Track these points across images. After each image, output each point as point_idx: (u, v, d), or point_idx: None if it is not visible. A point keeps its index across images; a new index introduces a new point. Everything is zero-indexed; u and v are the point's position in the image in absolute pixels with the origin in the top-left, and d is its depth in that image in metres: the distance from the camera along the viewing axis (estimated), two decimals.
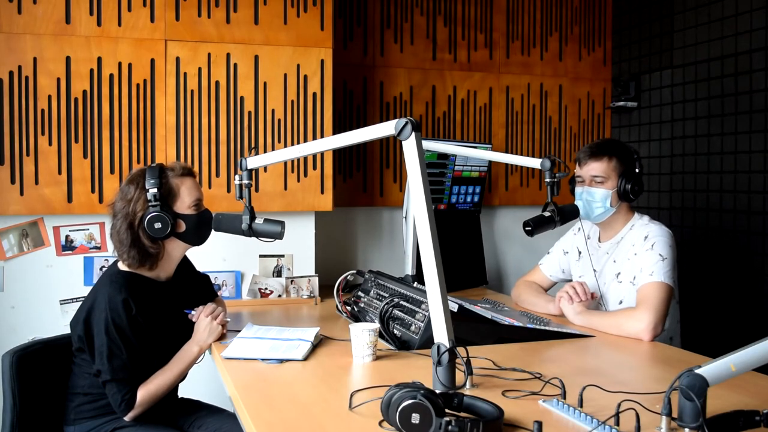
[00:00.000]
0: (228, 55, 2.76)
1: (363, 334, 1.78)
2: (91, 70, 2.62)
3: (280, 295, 2.87)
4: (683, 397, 1.17)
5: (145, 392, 1.88)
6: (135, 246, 1.92)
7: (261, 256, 2.87)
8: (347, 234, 3.42)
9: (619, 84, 3.63)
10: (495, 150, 3.42)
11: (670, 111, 3.42)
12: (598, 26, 3.75)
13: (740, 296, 3.04)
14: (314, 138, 2.86)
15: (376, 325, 1.87)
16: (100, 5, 2.62)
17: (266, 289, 2.87)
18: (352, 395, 1.46)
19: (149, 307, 1.93)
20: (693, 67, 3.28)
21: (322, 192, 2.88)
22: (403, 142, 1.54)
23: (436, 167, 3.23)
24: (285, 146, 2.83)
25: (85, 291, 2.03)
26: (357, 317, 2.33)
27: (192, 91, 2.73)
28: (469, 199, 3.41)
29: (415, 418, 1.17)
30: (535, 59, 3.62)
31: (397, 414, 1.18)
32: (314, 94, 2.87)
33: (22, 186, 2.56)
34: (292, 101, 2.84)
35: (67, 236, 2.69)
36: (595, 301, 2.35)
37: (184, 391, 2.19)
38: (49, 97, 2.58)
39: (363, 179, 3.32)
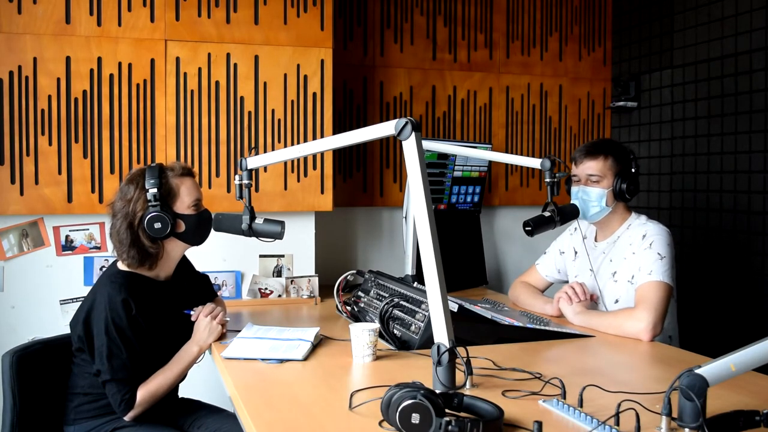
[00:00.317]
0: (228, 55, 2.76)
1: (363, 334, 1.78)
2: (91, 70, 2.62)
3: (280, 295, 2.87)
4: (683, 397, 1.17)
5: (144, 392, 1.88)
6: (134, 246, 1.92)
7: (261, 256, 2.87)
8: (347, 234, 3.42)
9: (619, 84, 3.63)
10: (495, 150, 3.43)
11: (670, 111, 3.42)
12: (598, 26, 3.75)
13: (740, 296, 3.04)
14: (314, 138, 2.86)
15: (376, 325, 1.87)
16: (100, 5, 2.62)
17: (266, 289, 2.87)
18: (352, 395, 1.46)
19: (149, 307, 1.93)
20: (693, 67, 3.28)
21: (322, 192, 2.88)
22: (403, 142, 1.54)
23: (436, 167, 3.23)
24: (285, 146, 2.83)
25: (85, 291, 2.03)
26: (357, 317, 2.33)
27: (192, 91, 2.73)
28: (469, 199, 3.41)
29: (415, 418, 1.17)
30: (535, 59, 3.62)
31: (397, 414, 1.18)
32: (314, 94, 2.87)
33: (22, 186, 2.56)
34: (292, 101, 2.84)
35: (67, 236, 2.69)
36: (592, 301, 2.35)
37: (184, 391, 2.19)
38: (49, 97, 2.58)
39: (363, 179, 3.32)
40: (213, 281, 2.57)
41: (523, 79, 3.60)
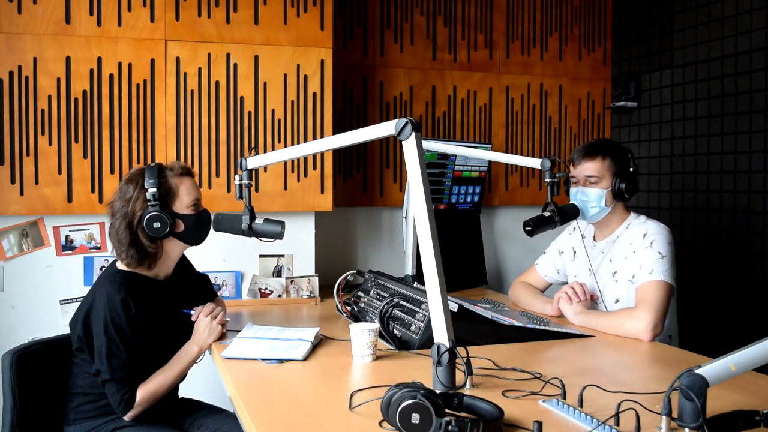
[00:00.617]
0: (228, 55, 2.76)
1: (363, 334, 1.78)
2: (91, 70, 2.62)
3: (280, 295, 2.87)
4: (683, 397, 1.17)
5: (144, 392, 1.88)
6: (134, 245, 1.92)
7: (261, 256, 2.87)
8: (347, 234, 3.42)
9: (619, 84, 3.63)
10: (495, 150, 3.43)
11: (670, 111, 3.42)
12: (598, 26, 3.75)
13: (740, 296, 3.04)
14: (314, 138, 2.86)
15: (376, 325, 1.87)
16: (100, 5, 2.62)
17: (266, 289, 2.87)
18: (352, 395, 1.46)
19: (148, 307, 1.93)
20: (693, 67, 3.28)
21: (322, 192, 2.88)
22: (403, 142, 1.54)
23: (436, 167, 3.23)
24: (285, 146, 2.83)
25: (85, 291, 2.03)
26: (357, 317, 2.33)
27: (192, 91, 2.73)
28: (469, 199, 3.41)
29: (415, 418, 1.17)
30: (535, 59, 3.62)
31: (397, 414, 1.18)
32: (314, 94, 2.87)
33: (22, 186, 2.56)
34: (292, 101, 2.84)
35: (67, 236, 2.69)
36: (592, 301, 2.35)
37: (184, 391, 2.19)
38: (49, 97, 2.58)
39: (363, 179, 3.32)
40: (213, 281, 2.57)
41: (523, 79, 3.60)
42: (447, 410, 1.25)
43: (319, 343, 2.02)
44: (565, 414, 1.36)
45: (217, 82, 2.76)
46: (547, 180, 2.22)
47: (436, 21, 3.44)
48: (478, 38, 3.51)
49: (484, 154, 2.88)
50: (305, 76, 2.85)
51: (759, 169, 2.95)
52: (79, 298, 2.65)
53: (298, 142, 2.85)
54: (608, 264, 2.35)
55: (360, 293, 2.44)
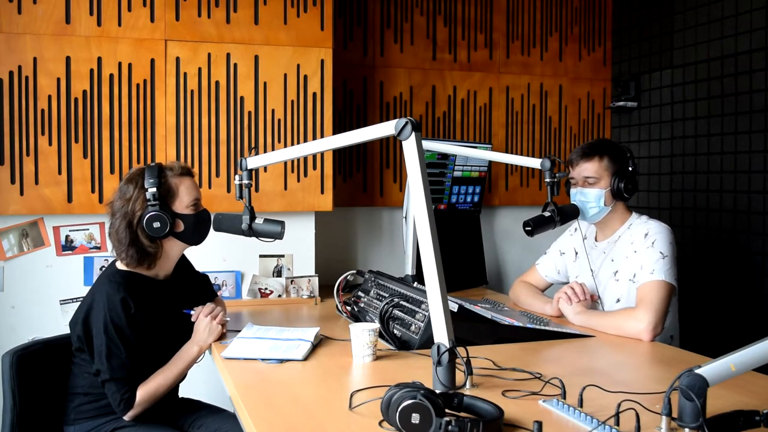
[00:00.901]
0: (228, 55, 2.76)
1: (363, 334, 1.78)
2: (91, 70, 2.62)
3: (280, 295, 2.87)
4: (683, 397, 1.17)
5: (144, 392, 1.88)
6: (133, 245, 1.92)
7: (261, 256, 2.87)
8: (347, 234, 3.42)
9: (619, 84, 3.63)
10: (495, 150, 3.42)
11: (670, 111, 3.42)
12: (598, 26, 3.75)
13: (740, 296, 3.04)
14: (314, 138, 2.86)
15: (376, 325, 1.87)
16: (100, 5, 2.62)
17: (266, 289, 2.87)
18: (352, 395, 1.46)
19: (148, 306, 1.93)
20: (693, 67, 3.28)
21: (322, 192, 2.88)
22: (403, 142, 1.54)
23: (436, 167, 3.23)
24: (285, 146, 2.83)
25: (85, 291, 2.03)
26: (357, 317, 2.33)
27: (192, 91, 2.73)
28: (469, 199, 3.41)
29: (415, 418, 1.17)
30: (535, 59, 3.62)
31: (397, 414, 1.18)
32: (314, 94, 2.87)
33: (22, 186, 2.56)
34: (292, 101, 2.84)
35: (67, 236, 2.69)
36: (593, 301, 2.35)
37: (184, 391, 2.19)
38: (49, 97, 2.58)
39: (363, 179, 3.32)
40: (213, 281, 2.57)
41: (523, 79, 3.60)
42: (447, 410, 1.25)
43: (319, 343, 2.02)
44: (565, 414, 1.36)
45: (217, 82, 2.76)
46: (547, 180, 2.22)
47: (436, 21, 3.44)
48: (478, 38, 3.51)
49: (484, 154, 2.88)
50: (305, 76, 2.85)
51: (759, 169, 2.95)
52: (79, 298, 2.65)
53: (298, 142, 2.85)
54: (609, 264, 2.35)
55: (360, 293, 2.44)
